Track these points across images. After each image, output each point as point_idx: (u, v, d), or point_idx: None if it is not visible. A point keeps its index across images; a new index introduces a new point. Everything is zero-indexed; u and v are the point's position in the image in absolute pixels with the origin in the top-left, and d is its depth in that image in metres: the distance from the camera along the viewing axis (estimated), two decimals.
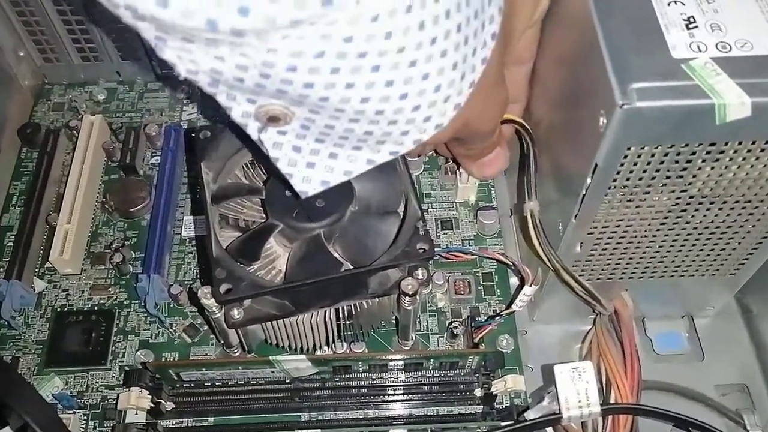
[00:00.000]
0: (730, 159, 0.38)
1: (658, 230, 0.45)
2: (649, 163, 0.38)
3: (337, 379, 0.52)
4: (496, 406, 0.52)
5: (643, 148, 0.37)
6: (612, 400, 0.50)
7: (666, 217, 0.43)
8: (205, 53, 0.32)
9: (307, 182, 0.42)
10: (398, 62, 0.34)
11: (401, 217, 0.51)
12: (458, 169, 0.62)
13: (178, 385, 0.52)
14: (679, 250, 0.47)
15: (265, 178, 0.54)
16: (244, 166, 0.55)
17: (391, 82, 0.35)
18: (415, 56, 0.34)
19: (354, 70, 0.34)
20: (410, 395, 0.53)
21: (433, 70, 0.36)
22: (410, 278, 0.47)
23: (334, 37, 0.32)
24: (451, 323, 0.56)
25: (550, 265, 0.48)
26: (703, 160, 0.38)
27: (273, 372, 0.50)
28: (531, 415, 0.50)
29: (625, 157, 0.38)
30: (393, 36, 0.33)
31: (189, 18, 0.29)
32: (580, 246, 0.46)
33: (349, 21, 0.31)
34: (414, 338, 0.56)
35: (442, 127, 0.40)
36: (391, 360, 0.51)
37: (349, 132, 0.39)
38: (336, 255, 0.50)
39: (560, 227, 0.46)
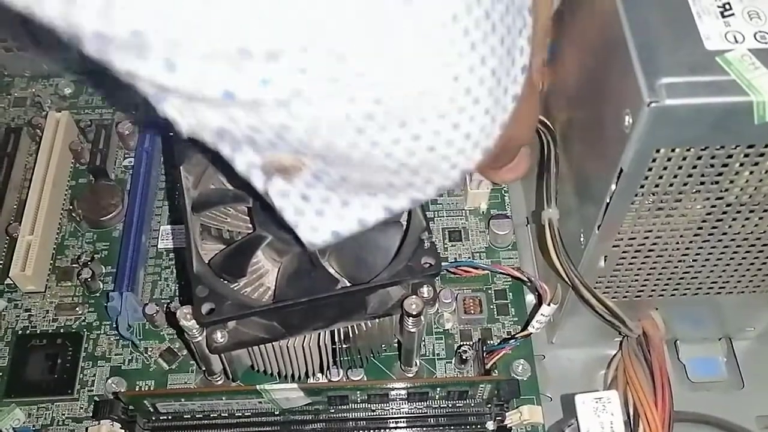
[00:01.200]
0: None
1: (691, 242, 0.45)
2: (680, 168, 0.39)
3: (333, 410, 0.52)
4: None
5: (673, 151, 0.37)
6: None
7: (700, 228, 0.44)
8: (214, 113, 0.32)
9: (315, 231, 0.41)
10: (427, 117, 0.35)
11: (404, 228, 0.51)
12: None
13: (153, 418, 0.52)
14: (715, 265, 0.47)
15: None
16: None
17: (418, 136, 0.35)
18: (447, 109, 0.35)
19: (381, 128, 0.34)
20: (414, 428, 0.53)
21: (464, 121, 0.36)
22: (414, 297, 0.48)
23: (359, 101, 0.32)
24: (460, 347, 0.56)
25: (569, 281, 0.48)
26: (741, 164, 0.39)
27: (261, 402, 0.50)
28: None
29: (654, 160, 0.38)
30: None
31: (201, 87, 0.29)
32: (604, 260, 0.47)
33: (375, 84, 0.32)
34: (418, 364, 0.57)
35: (468, 170, 0.40)
36: (392, 389, 0.51)
37: (366, 184, 0.39)
38: (331, 271, 0.50)
39: (582, 239, 0.46)
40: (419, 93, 0.34)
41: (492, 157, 0.42)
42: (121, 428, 0.50)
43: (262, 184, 0.39)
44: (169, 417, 0.52)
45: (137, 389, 0.56)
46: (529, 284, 0.59)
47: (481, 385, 0.51)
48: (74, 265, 0.61)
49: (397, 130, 0.35)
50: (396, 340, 0.55)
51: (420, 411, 0.53)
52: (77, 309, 0.60)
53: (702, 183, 0.40)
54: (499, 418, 0.52)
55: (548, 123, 0.51)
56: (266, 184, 0.39)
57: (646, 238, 0.44)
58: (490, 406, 0.52)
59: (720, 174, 0.39)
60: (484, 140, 0.39)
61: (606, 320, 0.50)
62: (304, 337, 0.49)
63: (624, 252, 0.46)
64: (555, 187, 0.49)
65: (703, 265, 0.47)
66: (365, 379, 0.56)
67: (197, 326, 0.47)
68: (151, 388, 0.56)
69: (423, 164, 0.37)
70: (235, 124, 0.33)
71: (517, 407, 0.51)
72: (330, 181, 0.39)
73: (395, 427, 0.53)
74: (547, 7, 0.46)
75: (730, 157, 0.38)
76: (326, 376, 0.55)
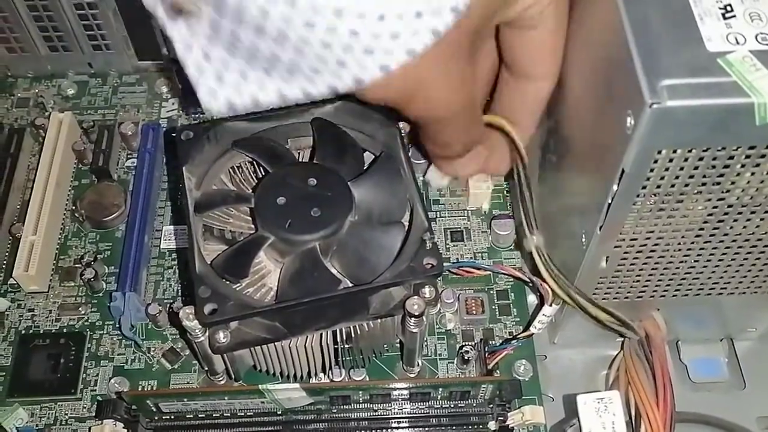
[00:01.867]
0: None
1: (692, 243, 0.45)
2: (681, 169, 0.39)
3: (335, 410, 0.53)
4: None
5: (674, 152, 0.38)
6: None
7: (702, 228, 0.44)
8: None
9: (213, 96, 0.42)
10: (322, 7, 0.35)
11: (406, 228, 0.51)
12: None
13: (156, 418, 0.52)
14: (717, 265, 0.47)
15: (254, 184, 0.54)
16: (231, 171, 0.56)
17: (312, 24, 0.36)
18: (347, 4, 0.35)
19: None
20: (416, 428, 0.53)
21: (356, 22, 0.36)
22: (416, 297, 0.48)
23: None
24: (462, 347, 0.57)
25: (571, 301, 0.49)
26: (743, 165, 0.39)
27: (263, 402, 0.51)
28: None
29: (655, 161, 0.38)
30: None
31: None
32: (606, 261, 0.47)
33: None
34: (420, 364, 0.57)
35: (387, 69, 0.40)
36: (394, 389, 0.51)
37: (254, 50, 0.39)
38: (333, 271, 0.50)
39: (583, 240, 0.46)
40: None
41: (412, 107, 0.44)
42: (124, 428, 0.50)
43: (166, 25, 0.40)
44: (172, 417, 0.52)
45: (140, 389, 0.56)
46: (530, 285, 0.59)
47: (483, 386, 0.51)
48: (77, 265, 0.62)
49: (290, 9, 0.35)
50: (398, 341, 0.55)
51: (422, 411, 0.53)
52: (80, 309, 0.60)
53: (703, 184, 0.40)
54: (501, 418, 0.52)
55: (513, 134, 0.51)
56: (170, 25, 0.40)
57: (648, 238, 0.45)
58: (492, 406, 0.53)
59: (721, 175, 0.39)
60: (408, 36, 0.38)
61: (611, 328, 0.51)
62: (307, 337, 0.49)
63: (626, 253, 0.46)
64: (533, 212, 0.50)
65: (705, 266, 0.47)
66: (367, 379, 0.56)
67: (200, 326, 0.47)
68: (154, 388, 0.56)
69: (331, 33, 0.37)
70: None
71: (519, 407, 0.51)
72: (226, 42, 0.39)
73: (397, 427, 0.53)
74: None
75: (731, 158, 0.38)
76: (328, 376, 0.55)
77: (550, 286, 0.50)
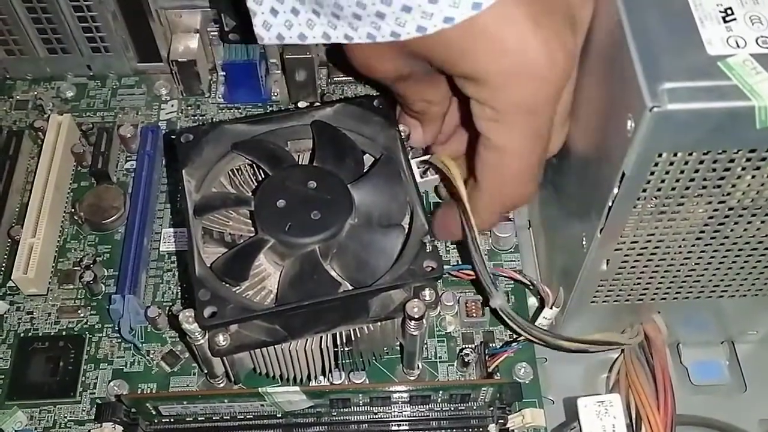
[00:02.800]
0: None
1: (693, 246, 0.45)
2: (682, 172, 0.39)
3: (335, 413, 0.53)
4: None
5: (675, 155, 0.38)
6: None
7: (702, 231, 0.44)
8: None
9: (266, 28, 0.46)
10: None
11: (406, 230, 0.51)
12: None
13: (156, 421, 0.52)
14: (718, 268, 0.47)
15: (254, 187, 0.54)
16: (231, 173, 0.56)
17: None
18: None
19: None
20: (416, 431, 0.53)
21: None
22: (416, 300, 0.48)
23: None
24: (462, 350, 0.57)
25: (548, 345, 0.51)
26: (743, 168, 0.39)
27: (263, 405, 0.51)
28: None
29: (656, 164, 0.38)
30: None
31: None
32: (607, 263, 0.47)
33: None
34: (420, 367, 0.57)
35: (424, 31, 0.41)
36: (394, 392, 0.51)
37: None
38: (333, 274, 0.50)
39: (584, 242, 0.46)
40: None
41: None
42: (123, 431, 0.50)
43: None
44: (172, 420, 0.52)
45: (139, 392, 0.56)
46: (531, 287, 0.59)
47: (483, 388, 0.51)
48: (76, 268, 0.62)
49: None
50: (398, 343, 0.55)
51: (422, 414, 0.53)
52: (79, 312, 0.60)
53: (704, 187, 0.40)
54: (502, 421, 0.52)
55: (462, 197, 0.50)
56: None
57: (649, 241, 0.45)
58: (492, 409, 0.53)
59: (722, 178, 0.39)
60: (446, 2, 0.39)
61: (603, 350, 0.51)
62: (306, 340, 0.49)
63: (626, 255, 0.46)
64: (489, 275, 0.51)
65: (705, 269, 0.47)
66: (367, 381, 0.56)
67: (199, 329, 0.47)
68: (154, 391, 0.56)
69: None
70: None
71: (519, 410, 0.51)
72: None
73: (397, 430, 0.53)
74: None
75: (731, 161, 0.38)
76: (328, 379, 0.55)
77: (525, 338, 0.52)
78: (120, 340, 0.58)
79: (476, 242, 0.50)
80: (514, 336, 0.57)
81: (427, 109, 0.53)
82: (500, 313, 0.51)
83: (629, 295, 0.50)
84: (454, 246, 0.63)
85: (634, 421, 0.51)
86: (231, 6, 0.64)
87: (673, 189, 0.40)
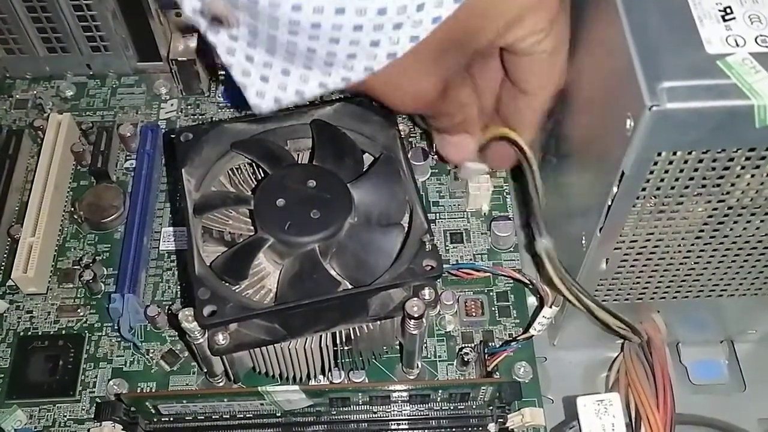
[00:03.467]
0: None
1: (692, 244, 0.45)
2: (681, 171, 0.39)
3: (334, 412, 0.53)
4: None
5: (674, 154, 0.38)
6: None
7: (701, 230, 0.44)
8: None
9: (261, 97, 0.45)
10: None
11: (405, 229, 0.51)
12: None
13: (155, 419, 0.53)
14: (717, 267, 0.47)
15: (253, 186, 0.54)
16: (230, 172, 0.56)
17: (342, 9, 0.38)
18: None
19: None
20: (416, 430, 0.54)
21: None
22: (416, 299, 0.48)
23: None
24: (461, 349, 0.57)
25: (580, 305, 0.49)
26: (742, 167, 0.39)
27: (262, 404, 0.51)
28: None
29: (655, 163, 0.38)
30: None
31: None
32: (606, 262, 0.47)
33: None
34: (420, 366, 0.57)
35: (395, 56, 0.42)
36: (394, 391, 0.51)
37: (292, 46, 0.42)
38: (333, 273, 0.50)
39: (583, 241, 0.47)
40: None
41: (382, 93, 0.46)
42: (122, 430, 0.50)
43: (209, 35, 0.42)
44: (171, 418, 0.52)
45: (139, 391, 0.56)
46: (530, 286, 0.59)
47: (482, 388, 0.51)
48: (76, 267, 0.62)
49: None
50: (397, 342, 0.55)
51: (421, 413, 0.53)
52: (79, 311, 0.60)
53: (703, 186, 0.40)
54: (501, 420, 0.52)
55: (527, 153, 0.51)
56: (213, 34, 0.42)
57: (648, 240, 0.45)
58: (491, 408, 0.53)
59: (721, 177, 0.39)
60: (409, 26, 0.41)
61: (616, 332, 0.51)
62: (306, 339, 0.49)
63: (625, 255, 0.46)
64: (540, 217, 0.50)
65: (705, 268, 0.47)
66: (367, 381, 0.56)
67: (199, 328, 0.47)
68: (153, 390, 0.56)
69: (336, 29, 0.40)
70: None
71: (518, 409, 0.51)
72: (265, 42, 0.42)
73: (396, 429, 0.54)
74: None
75: (731, 160, 0.38)
76: (328, 378, 0.55)
77: (559, 289, 0.50)
78: (119, 339, 0.58)
79: (537, 182, 0.50)
80: (514, 335, 0.58)
81: (468, 113, 0.53)
82: (544, 257, 0.50)
83: (629, 294, 0.50)
84: (454, 245, 0.63)
85: (633, 420, 0.51)
86: None
87: (673, 188, 0.40)
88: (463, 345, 0.58)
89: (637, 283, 0.49)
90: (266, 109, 0.46)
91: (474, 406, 0.53)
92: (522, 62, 0.48)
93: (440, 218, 0.64)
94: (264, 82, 0.45)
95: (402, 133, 0.55)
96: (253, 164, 0.55)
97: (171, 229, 0.64)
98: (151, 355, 0.58)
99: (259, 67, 0.44)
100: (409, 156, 0.55)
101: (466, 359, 0.56)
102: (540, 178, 0.51)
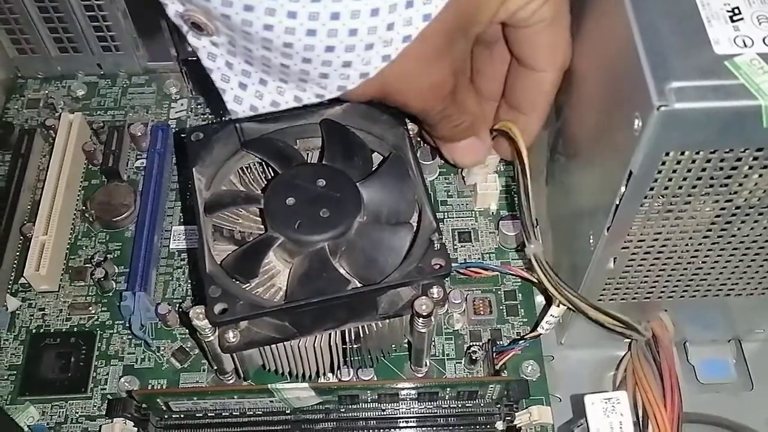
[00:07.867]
0: None
1: (700, 244, 0.45)
2: (689, 170, 0.39)
3: (343, 409, 0.53)
4: None
5: (682, 154, 0.38)
6: None
7: (709, 230, 0.44)
8: None
9: (238, 102, 0.47)
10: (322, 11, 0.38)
11: (414, 228, 0.52)
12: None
13: (166, 416, 0.53)
14: (725, 266, 0.48)
15: (263, 185, 0.55)
16: (240, 172, 0.56)
17: (294, 13, 0.38)
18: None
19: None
20: (424, 428, 0.54)
21: (344, 11, 0.38)
22: (424, 297, 0.48)
23: None
24: (469, 347, 0.57)
25: (572, 306, 0.49)
26: (750, 167, 0.39)
27: (272, 401, 0.51)
28: None
29: (663, 163, 0.38)
30: None
31: None
32: (614, 262, 0.47)
33: None
34: (428, 364, 0.57)
35: (368, 77, 0.43)
36: (402, 388, 0.52)
37: (267, 60, 0.42)
38: (342, 271, 0.51)
39: (591, 240, 0.47)
40: None
41: (390, 99, 0.48)
42: (134, 426, 0.51)
43: (191, 39, 0.43)
44: (182, 415, 0.53)
45: (150, 388, 0.56)
46: (538, 285, 0.59)
47: (490, 386, 0.51)
48: (87, 265, 0.62)
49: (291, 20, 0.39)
50: (406, 341, 0.56)
51: (430, 411, 0.53)
52: (90, 308, 0.60)
53: (711, 186, 0.40)
54: (509, 418, 0.52)
55: (522, 153, 0.51)
56: (195, 38, 0.43)
57: (655, 240, 0.45)
58: (499, 406, 0.53)
59: (729, 177, 0.40)
60: (380, 46, 0.41)
61: (617, 332, 0.51)
62: (315, 337, 0.50)
63: (633, 254, 0.46)
64: (531, 219, 0.50)
65: (712, 267, 0.48)
66: (375, 378, 0.56)
67: (209, 326, 0.47)
68: (164, 387, 0.57)
69: (308, 50, 0.41)
70: None
71: (526, 408, 0.52)
72: (243, 54, 0.43)
73: (405, 427, 0.54)
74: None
75: (738, 160, 0.38)
76: (337, 376, 0.55)
77: (550, 293, 0.51)
78: (131, 337, 0.59)
79: (527, 187, 0.51)
80: (522, 333, 0.58)
81: (475, 117, 0.54)
82: (533, 261, 0.51)
83: (636, 293, 0.50)
84: (462, 244, 0.63)
85: (641, 419, 0.51)
86: None
87: (680, 188, 0.40)
88: (471, 343, 0.58)
89: (645, 282, 0.49)
90: (243, 114, 0.47)
91: (482, 404, 0.53)
92: (525, 35, 0.49)
93: (448, 217, 0.65)
94: (242, 89, 0.46)
95: (411, 132, 0.55)
96: (263, 163, 0.56)
97: (182, 227, 0.64)
98: (161, 352, 0.58)
99: (238, 74, 0.45)
100: (417, 155, 0.55)
101: (474, 357, 0.56)
102: (530, 184, 0.51)
